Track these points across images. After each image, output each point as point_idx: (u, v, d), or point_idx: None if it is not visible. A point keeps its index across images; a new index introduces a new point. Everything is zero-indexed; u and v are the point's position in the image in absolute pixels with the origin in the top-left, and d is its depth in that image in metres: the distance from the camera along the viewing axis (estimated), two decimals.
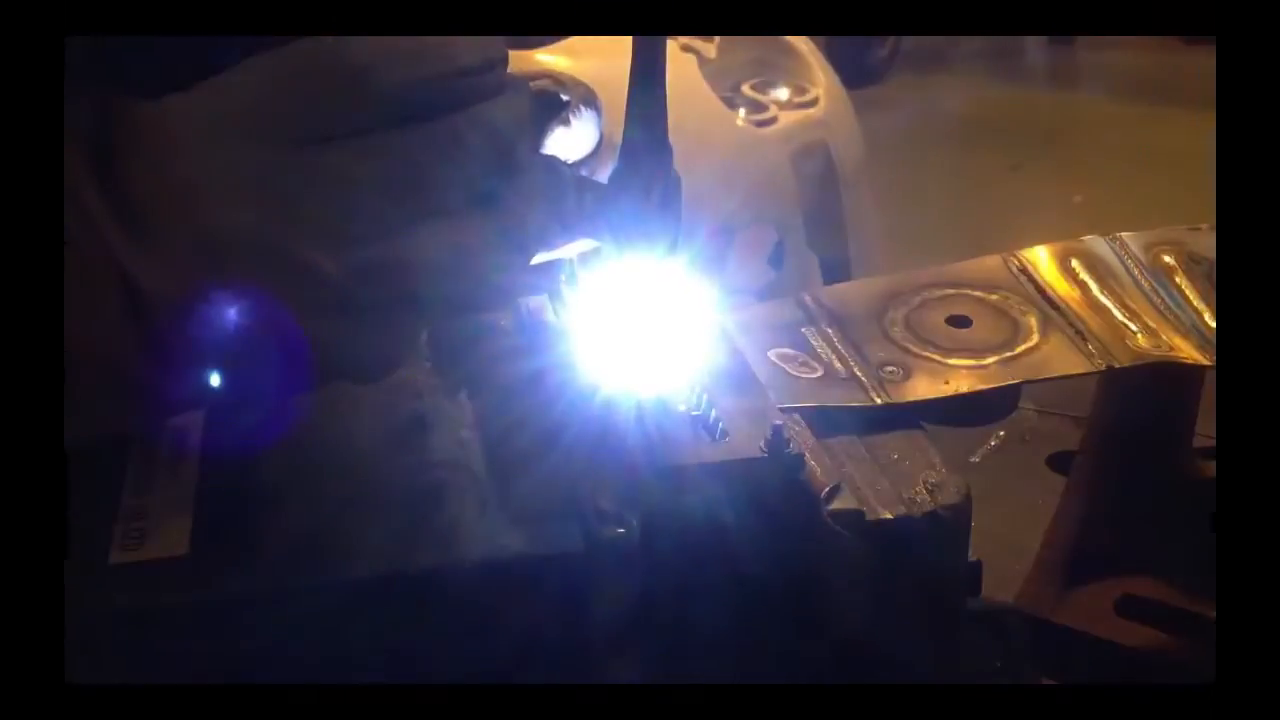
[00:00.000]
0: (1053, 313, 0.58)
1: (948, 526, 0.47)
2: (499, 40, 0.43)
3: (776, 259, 1.80)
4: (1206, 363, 0.55)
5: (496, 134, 0.43)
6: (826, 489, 0.45)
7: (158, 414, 0.49)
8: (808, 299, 0.60)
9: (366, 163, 0.40)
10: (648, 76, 0.47)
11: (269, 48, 0.40)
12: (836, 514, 0.45)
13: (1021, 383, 0.54)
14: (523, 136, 0.44)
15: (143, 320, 0.40)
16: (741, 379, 0.50)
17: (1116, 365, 0.55)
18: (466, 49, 0.42)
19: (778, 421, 0.46)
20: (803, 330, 0.57)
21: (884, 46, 4.16)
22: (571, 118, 0.61)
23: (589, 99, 0.94)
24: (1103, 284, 0.60)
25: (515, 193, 0.44)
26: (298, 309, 0.41)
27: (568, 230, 0.47)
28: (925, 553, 0.47)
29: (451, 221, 0.42)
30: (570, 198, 0.46)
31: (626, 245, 0.49)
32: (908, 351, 0.56)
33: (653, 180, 0.48)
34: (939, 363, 0.55)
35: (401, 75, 0.40)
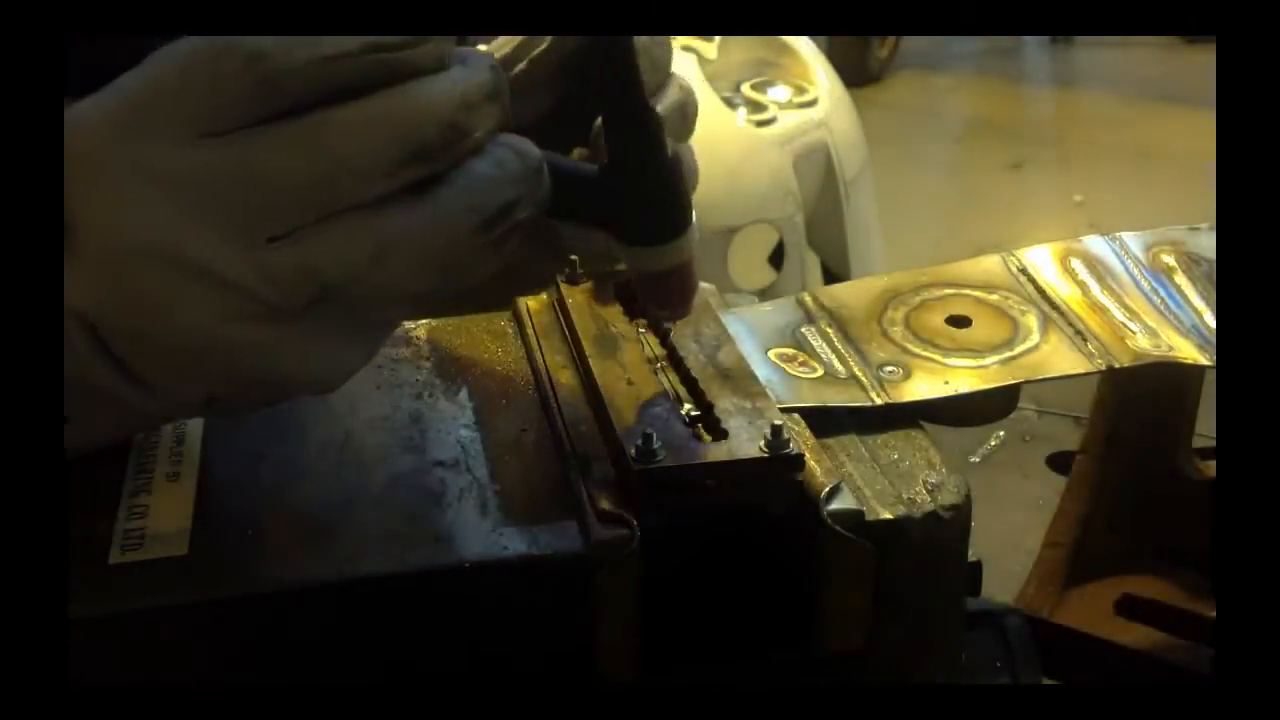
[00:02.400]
0: (1053, 313, 0.58)
1: (948, 526, 0.47)
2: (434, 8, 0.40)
3: (776, 259, 1.80)
4: (1206, 363, 0.55)
5: (430, 115, 0.39)
6: (826, 489, 0.45)
7: (139, 424, 0.48)
8: (808, 299, 0.60)
9: (273, 155, 0.37)
10: (615, 41, 0.43)
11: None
12: (836, 514, 0.45)
13: (1021, 383, 0.54)
14: (475, 115, 0.40)
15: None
16: (741, 379, 0.50)
17: (1116, 365, 0.55)
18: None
19: (778, 421, 0.46)
20: (803, 330, 0.57)
21: (884, 46, 4.16)
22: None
23: None
24: (1103, 284, 0.60)
25: (469, 179, 0.40)
26: (217, 320, 0.38)
27: (553, 218, 0.44)
28: (925, 553, 0.47)
29: (375, 216, 0.39)
30: (542, 184, 0.42)
31: (629, 232, 0.46)
32: (907, 351, 0.56)
33: (647, 156, 0.45)
34: (939, 363, 0.55)
35: (304, 54, 0.37)
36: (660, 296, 0.48)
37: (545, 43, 0.53)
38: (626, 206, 0.46)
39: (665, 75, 0.55)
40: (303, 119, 0.37)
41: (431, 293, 0.41)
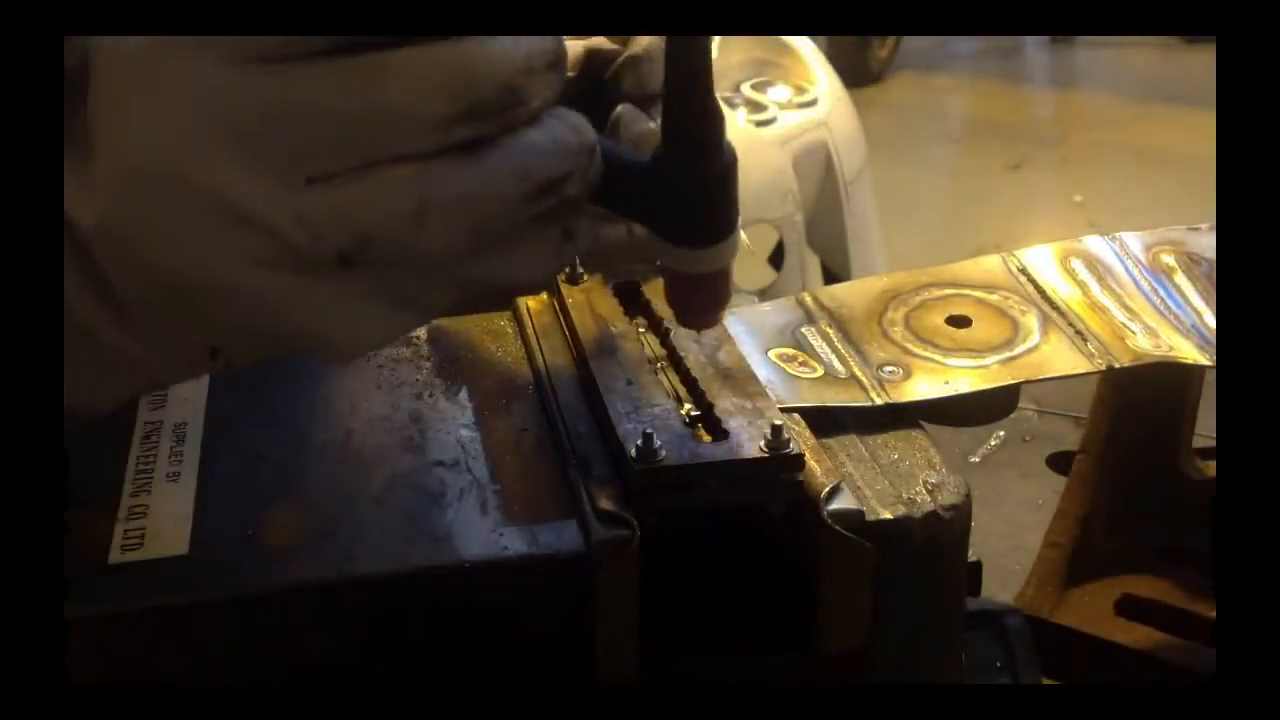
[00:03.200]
0: (1053, 313, 0.58)
1: (948, 526, 0.47)
2: None
3: (776, 259, 1.80)
4: (1206, 363, 0.55)
5: (489, 73, 0.37)
6: (826, 489, 0.45)
7: (140, 382, 0.44)
8: (808, 299, 0.60)
9: (324, 91, 0.36)
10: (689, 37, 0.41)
11: None
12: (836, 514, 0.45)
13: (1021, 383, 0.54)
14: (535, 82, 0.38)
15: (94, 272, 0.37)
16: (741, 379, 0.50)
17: (1116, 365, 0.55)
18: None
19: (778, 421, 0.46)
20: (803, 330, 0.57)
21: (884, 46, 4.16)
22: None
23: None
24: (1103, 284, 0.60)
25: (521, 146, 0.38)
26: (237, 261, 0.36)
27: (597, 203, 0.42)
28: (925, 552, 0.47)
29: (421, 169, 0.37)
30: (594, 163, 0.40)
31: (672, 230, 0.44)
32: (907, 351, 0.56)
33: (706, 155, 0.43)
34: (939, 363, 0.55)
35: None
36: (692, 302, 0.47)
37: (574, 68, 0.52)
38: (676, 203, 0.44)
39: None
40: (358, 57, 0.36)
41: (467, 264, 0.39)
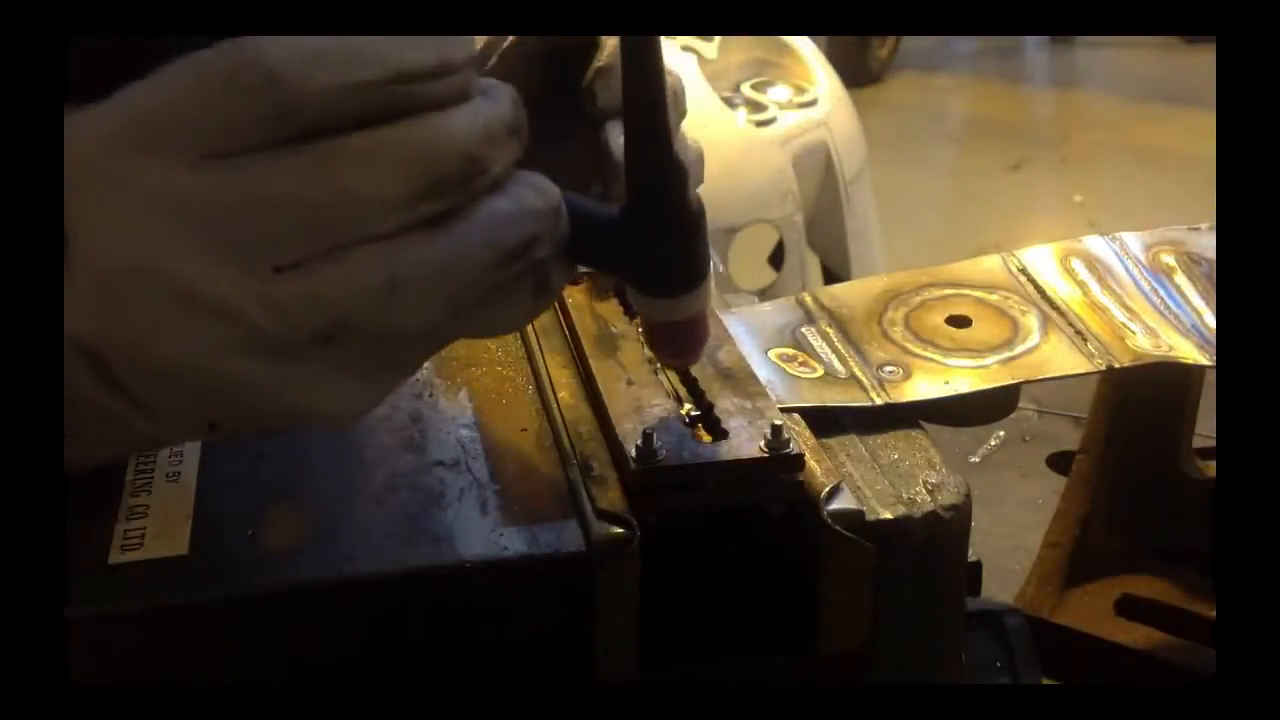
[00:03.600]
0: (1053, 313, 0.58)
1: (948, 526, 0.47)
2: (465, 39, 0.38)
3: (776, 259, 1.81)
4: (1206, 363, 0.55)
5: (450, 148, 0.37)
6: (826, 489, 0.45)
7: (141, 444, 0.46)
8: (808, 299, 0.60)
9: (284, 182, 0.36)
10: (645, 83, 0.42)
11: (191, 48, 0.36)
12: (836, 514, 0.45)
13: (1021, 383, 0.54)
14: (496, 150, 0.38)
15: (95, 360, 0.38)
16: (741, 379, 0.50)
17: (1116, 365, 0.55)
18: (415, 49, 0.37)
19: (778, 421, 0.46)
20: (803, 330, 0.57)
21: (884, 46, 4.16)
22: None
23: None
24: (1103, 284, 0.60)
25: (487, 214, 0.38)
26: (217, 351, 0.37)
27: (568, 258, 0.42)
28: (925, 552, 0.47)
29: (389, 248, 0.37)
30: (560, 222, 0.41)
31: (643, 280, 0.45)
32: (907, 351, 0.56)
33: (668, 208, 0.43)
34: (939, 363, 0.55)
35: (326, 80, 0.35)
36: (670, 345, 0.47)
37: (509, 38, 0.52)
38: (643, 254, 0.44)
39: (682, 119, 0.54)
40: (318, 145, 0.36)
41: (444, 330, 0.40)
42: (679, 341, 0.47)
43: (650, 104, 0.42)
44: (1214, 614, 0.69)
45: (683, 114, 0.54)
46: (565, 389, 0.52)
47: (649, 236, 0.44)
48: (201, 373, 0.37)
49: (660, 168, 0.43)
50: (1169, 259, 0.63)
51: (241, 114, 0.35)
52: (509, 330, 0.48)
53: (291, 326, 0.37)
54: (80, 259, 0.37)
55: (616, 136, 0.53)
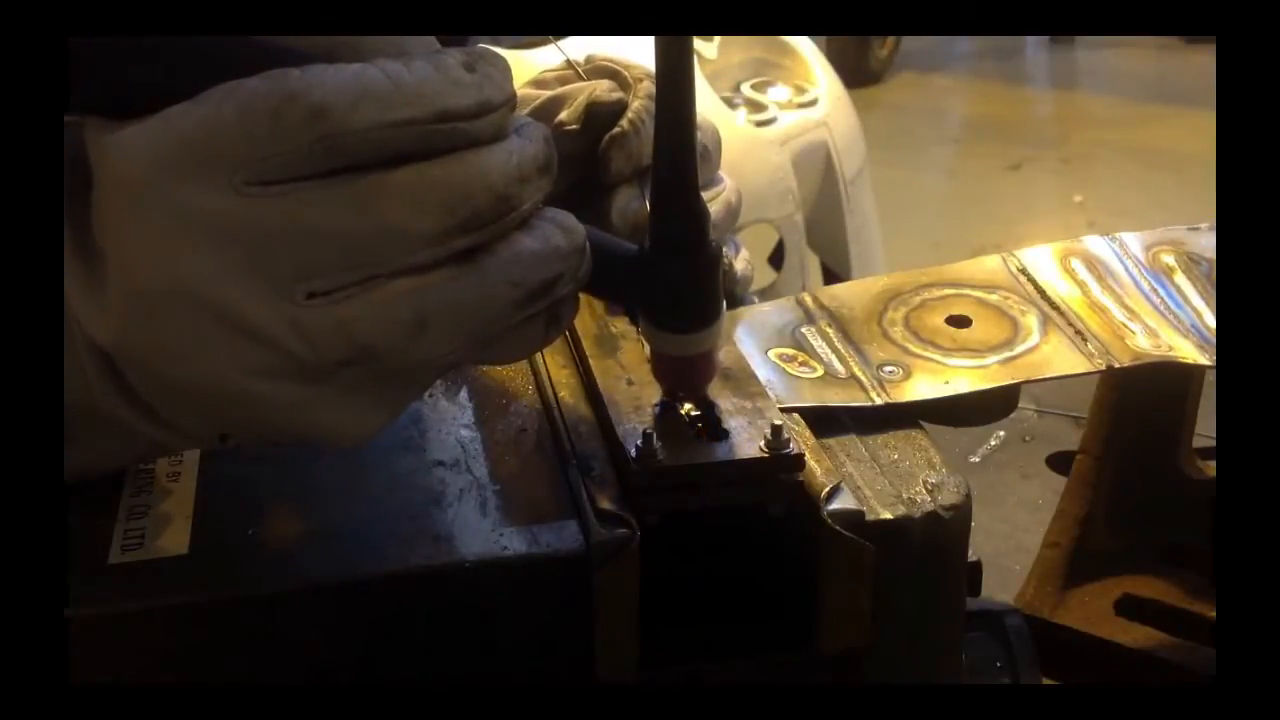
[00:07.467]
0: (1053, 313, 0.58)
1: (948, 526, 0.47)
2: (504, 80, 0.39)
3: (776, 259, 1.80)
4: (1206, 363, 0.55)
5: (484, 186, 0.38)
6: (826, 489, 0.45)
7: (149, 453, 0.47)
8: (808, 299, 0.60)
9: (324, 212, 0.37)
10: (675, 133, 0.43)
11: (236, 73, 0.37)
12: (836, 514, 0.45)
13: (1021, 383, 0.54)
14: (527, 188, 0.40)
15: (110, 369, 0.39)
16: (741, 379, 0.50)
17: (1116, 365, 0.55)
18: (455, 89, 0.38)
19: (778, 421, 0.46)
20: (803, 330, 0.57)
21: (884, 46, 4.16)
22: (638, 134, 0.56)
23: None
24: (1103, 284, 0.60)
25: (514, 252, 0.40)
26: (243, 373, 0.38)
27: (588, 292, 0.44)
28: (925, 553, 0.47)
29: (419, 284, 0.38)
30: (584, 261, 0.42)
31: (657, 316, 0.46)
32: (907, 351, 0.56)
33: (688, 250, 0.44)
34: (939, 363, 0.55)
35: (371, 117, 0.36)
36: (678, 378, 0.48)
37: (576, 122, 0.55)
38: (660, 292, 0.45)
39: (714, 169, 0.56)
40: (357, 180, 0.37)
41: (461, 360, 0.41)
42: (687, 375, 0.47)
43: (678, 149, 0.43)
44: (1214, 614, 0.69)
45: (716, 165, 0.57)
46: (565, 389, 0.52)
47: (668, 277, 0.45)
48: (223, 391, 0.38)
49: (688, 216, 0.44)
50: (1169, 259, 0.63)
51: (286, 145, 0.36)
52: (518, 360, 0.50)
53: (319, 352, 0.38)
54: (116, 272, 0.38)
55: (620, 201, 0.55)
